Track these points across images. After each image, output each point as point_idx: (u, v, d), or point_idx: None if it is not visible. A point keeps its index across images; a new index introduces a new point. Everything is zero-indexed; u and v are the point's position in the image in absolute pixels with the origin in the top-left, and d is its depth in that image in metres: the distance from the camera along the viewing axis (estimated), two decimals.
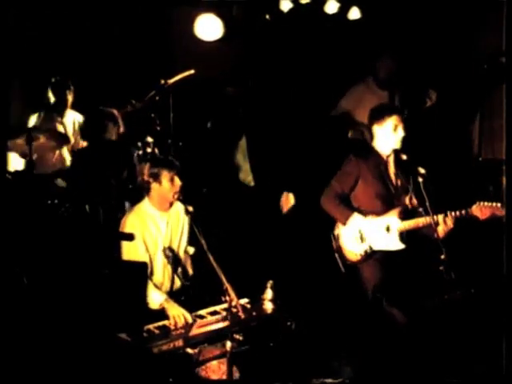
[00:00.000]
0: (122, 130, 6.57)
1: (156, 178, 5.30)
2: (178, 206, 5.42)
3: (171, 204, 5.40)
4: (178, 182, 5.30)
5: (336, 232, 5.62)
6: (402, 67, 7.22)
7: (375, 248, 5.48)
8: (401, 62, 7.21)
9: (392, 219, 5.45)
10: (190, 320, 5.00)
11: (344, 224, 5.52)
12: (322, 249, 6.01)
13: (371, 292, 5.40)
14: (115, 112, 6.61)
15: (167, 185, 5.29)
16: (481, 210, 5.33)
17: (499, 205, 5.30)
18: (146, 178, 5.34)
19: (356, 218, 5.48)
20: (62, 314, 4.51)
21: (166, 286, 5.37)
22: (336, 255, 5.61)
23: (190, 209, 5.23)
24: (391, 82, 7.20)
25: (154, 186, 5.32)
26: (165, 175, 5.28)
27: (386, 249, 5.47)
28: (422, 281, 5.37)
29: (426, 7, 7.41)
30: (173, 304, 5.12)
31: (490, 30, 7.18)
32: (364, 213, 5.49)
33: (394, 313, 5.35)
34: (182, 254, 5.48)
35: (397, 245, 5.45)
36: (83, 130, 6.89)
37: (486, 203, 5.34)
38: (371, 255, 5.49)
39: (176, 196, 5.30)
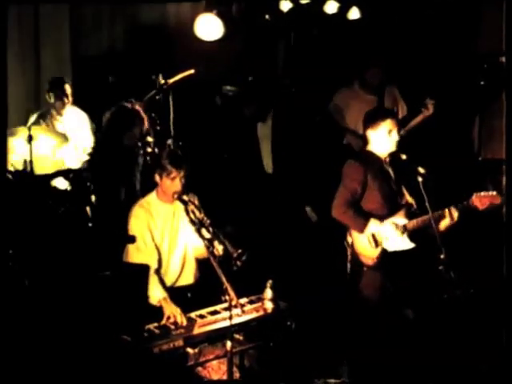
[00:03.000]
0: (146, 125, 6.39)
1: (161, 170, 5.29)
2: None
3: (173, 199, 5.37)
4: (177, 184, 5.25)
5: (349, 239, 5.54)
6: (389, 73, 7.20)
7: (389, 250, 5.43)
8: (388, 67, 7.19)
9: (400, 220, 5.45)
10: (184, 322, 5.00)
11: (361, 232, 5.43)
12: (322, 249, 6.03)
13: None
14: (139, 107, 6.46)
15: (167, 182, 5.28)
16: (479, 200, 5.37)
17: (495, 193, 5.38)
18: (157, 164, 5.37)
19: (372, 224, 5.42)
20: (63, 314, 4.52)
21: (170, 278, 5.39)
22: (348, 264, 5.56)
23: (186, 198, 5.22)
24: (378, 88, 7.16)
25: (156, 176, 5.34)
26: (168, 173, 5.26)
27: (398, 249, 5.43)
28: (422, 280, 5.38)
29: (424, 7, 7.43)
30: (170, 304, 5.13)
31: (489, 30, 7.20)
32: (376, 217, 5.43)
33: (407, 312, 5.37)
34: (190, 249, 5.47)
35: (408, 244, 5.44)
36: (105, 129, 6.70)
37: (483, 193, 5.39)
38: (384, 258, 5.44)
39: (176, 194, 5.25)
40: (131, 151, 6.50)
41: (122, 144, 6.47)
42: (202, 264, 5.47)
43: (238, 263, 4.82)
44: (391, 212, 5.47)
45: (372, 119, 5.55)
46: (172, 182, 5.27)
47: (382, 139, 5.50)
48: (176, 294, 5.26)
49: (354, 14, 7.74)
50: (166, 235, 5.40)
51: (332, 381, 5.25)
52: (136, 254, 5.25)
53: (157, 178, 5.35)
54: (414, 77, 7.42)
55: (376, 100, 7.13)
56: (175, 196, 5.26)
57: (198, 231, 4.99)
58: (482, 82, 7.23)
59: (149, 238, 5.31)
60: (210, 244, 4.90)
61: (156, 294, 5.17)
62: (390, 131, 5.49)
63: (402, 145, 5.52)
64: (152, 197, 5.43)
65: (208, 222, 5.00)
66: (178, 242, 5.43)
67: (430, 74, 7.52)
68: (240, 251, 4.87)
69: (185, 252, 5.46)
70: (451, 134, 7.42)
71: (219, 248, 4.92)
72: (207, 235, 4.96)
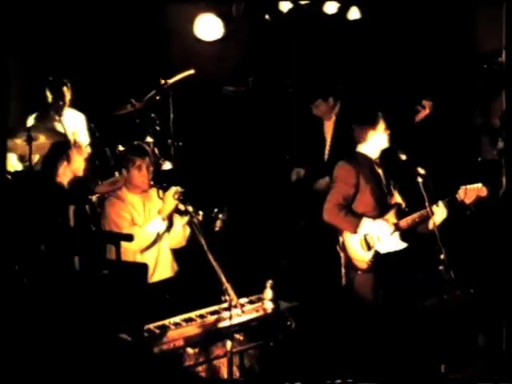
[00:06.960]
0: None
1: (127, 164, 5.50)
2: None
3: (144, 189, 5.55)
4: (145, 172, 5.46)
5: (341, 242, 5.52)
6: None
7: (382, 251, 5.43)
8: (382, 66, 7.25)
9: (391, 220, 5.45)
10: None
11: (355, 233, 5.42)
12: (323, 248, 6.02)
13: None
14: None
15: (135, 173, 5.48)
16: (466, 193, 5.38)
17: (480, 185, 5.38)
18: (123, 163, 5.56)
19: (365, 223, 5.42)
20: (62, 314, 4.52)
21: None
22: (343, 270, 5.54)
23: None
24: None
25: (124, 172, 5.56)
26: (133, 163, 5.47)
27: (390, 250, 5.43)
28: (422, 281, 5.38)
29: (423, 7, 7.44)
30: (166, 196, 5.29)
31: (489, 30, 7.21)
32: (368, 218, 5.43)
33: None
34: (164, 239, 5.54)
35: (399, 244, 5.45)
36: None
37: (468, 186, 5.40)
38: (378, 261, 5.44)
39: (145, 183, 5.47)
40: None
41: None
42: (182, 258, 5.54)
43: (218, 223, 4.97)
44: (381, 213, 5.47)
45: (373, 120, 5.54)
46: (140, 172, 5.46)
47: (381, 136, 5.53)
48: (153, 290, 5.30)
49: (353, 14, 7.74)
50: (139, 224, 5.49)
51: (330, 381, 5.26)
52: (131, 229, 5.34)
53: (124, 173, 5.54)
54: (414, 77, 7.43)
55: None
56: (157, 187, 5.42)
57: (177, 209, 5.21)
58: (481, 82, 7.25)
59: (137, 217, 5.45)
60: (188, 214, 5.09)
61: (152, 227, 5.34)
62: (386, 126, 5.53)
63: (402, 145, 5.54)
64: (122, 191, 5.58)
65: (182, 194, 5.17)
66: None
67: (430, 75, 7.52)
68: (216, 210, 4.98)
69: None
70: (450, 135, 7.43)
71: (199, 215, 5.07)
72: (182, 208, 5.15)
